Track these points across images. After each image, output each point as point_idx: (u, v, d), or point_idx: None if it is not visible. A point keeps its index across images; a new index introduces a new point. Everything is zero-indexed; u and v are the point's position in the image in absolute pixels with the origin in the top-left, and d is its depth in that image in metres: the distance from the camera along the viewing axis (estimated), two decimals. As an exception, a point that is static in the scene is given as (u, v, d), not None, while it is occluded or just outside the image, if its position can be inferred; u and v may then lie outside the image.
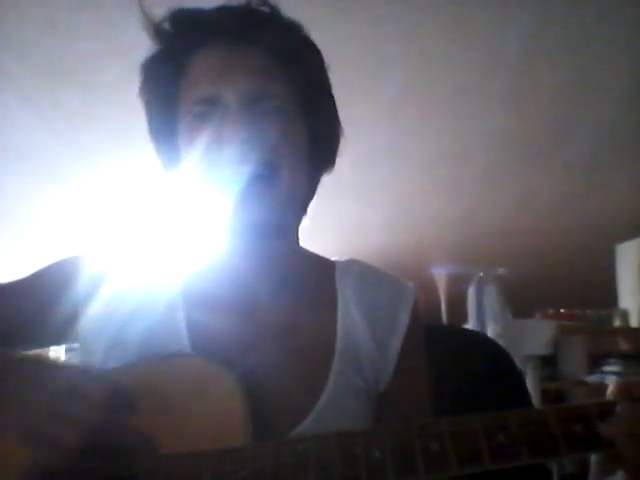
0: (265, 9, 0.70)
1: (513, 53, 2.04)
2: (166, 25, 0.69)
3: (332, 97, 0.75)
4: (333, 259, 0.80)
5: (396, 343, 0.71)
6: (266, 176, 0.65)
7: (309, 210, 0.78)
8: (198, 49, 0.69)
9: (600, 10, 1.84)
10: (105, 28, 1.79)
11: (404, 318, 0.73)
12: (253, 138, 0.64)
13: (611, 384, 0.53)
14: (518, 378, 1.08)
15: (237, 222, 0.68)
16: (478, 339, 1.21)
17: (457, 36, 1.95)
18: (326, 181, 0.79)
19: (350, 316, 0.72)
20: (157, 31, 0.70)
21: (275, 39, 0.68)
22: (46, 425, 0.51)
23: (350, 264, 0.78)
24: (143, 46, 0.70)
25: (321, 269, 0.77)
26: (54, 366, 0.60)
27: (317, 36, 0.73)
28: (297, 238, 0.77)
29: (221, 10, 0.69)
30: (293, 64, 0.69)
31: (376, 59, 2.03)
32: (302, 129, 0.71)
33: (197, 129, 0.66)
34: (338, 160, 0.77)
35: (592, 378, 3.23)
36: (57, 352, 3.14)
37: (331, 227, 3.08)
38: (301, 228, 0.77)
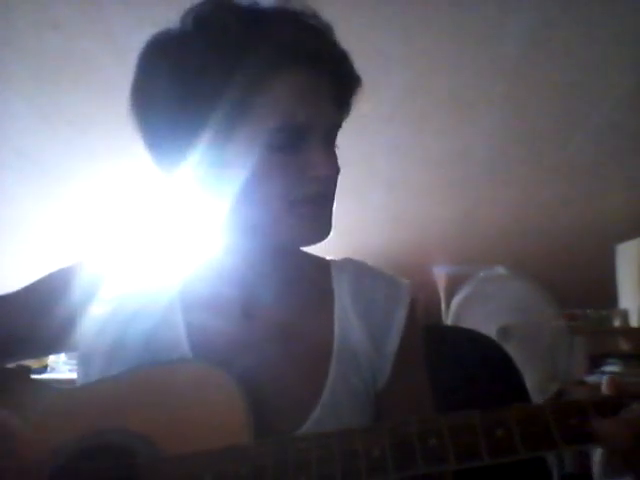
0: (320, 26, 0.66)
1: (513, 53, 2.04)
2: (238, 34, 0.62)
3: None
4: (328, 258, 0.80)
5: (393, 342, 0.71)
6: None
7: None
8: (278, 69, 0.62)
9: (600, 10, 1.84)
10: (105, 28, 1.79)
11: (400, 316, 0.72)
12: (335, 174, 0.65)
13: (605, 379, 0.53)
14: (518, 378, 1.08)
15: (238, 222, 0.68)
16: (478, 339, 1.21)
17: (457, 36, 1.95)
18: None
19: (347, 316, 0.72)
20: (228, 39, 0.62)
21: (340, 68, 0.67)
22: None
23: (345, 263, 0.78)
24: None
25: (317, 269, 0.77)
26: None
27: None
28: None
29: (300, 31, 0.64)
30: (349, 94, 0.69)
31: (376, 59, 2.03)
32: None
33: (275, 159, 0.62)
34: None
35: (592, 378, 3.23)
36: (56, 359, 3.15)
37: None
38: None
